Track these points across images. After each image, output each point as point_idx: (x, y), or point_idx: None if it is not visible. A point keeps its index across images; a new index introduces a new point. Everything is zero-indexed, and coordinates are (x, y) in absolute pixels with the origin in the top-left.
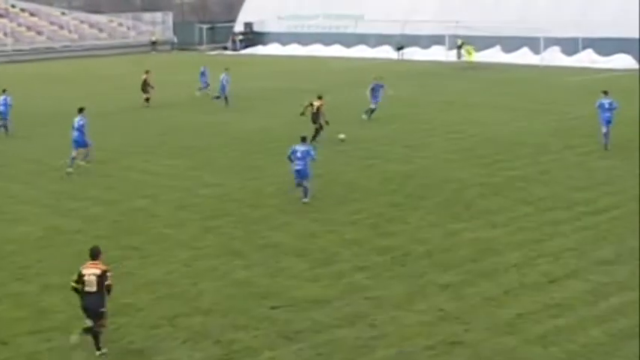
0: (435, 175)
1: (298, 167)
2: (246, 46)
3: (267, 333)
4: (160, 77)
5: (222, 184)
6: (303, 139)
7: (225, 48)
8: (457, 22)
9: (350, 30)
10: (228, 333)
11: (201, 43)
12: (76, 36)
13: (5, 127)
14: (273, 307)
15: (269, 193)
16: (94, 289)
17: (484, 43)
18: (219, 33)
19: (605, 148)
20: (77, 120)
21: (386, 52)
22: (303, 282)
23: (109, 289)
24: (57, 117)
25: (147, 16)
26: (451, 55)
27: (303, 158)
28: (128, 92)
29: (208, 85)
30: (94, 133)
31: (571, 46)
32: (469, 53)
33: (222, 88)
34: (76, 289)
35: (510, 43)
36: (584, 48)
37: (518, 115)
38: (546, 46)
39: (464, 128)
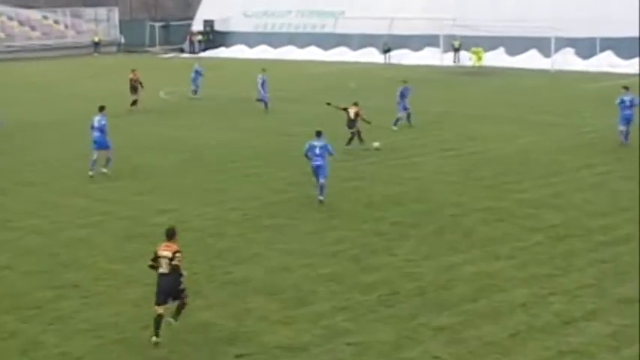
0: (429, 199)
1: (317, 163)
2: (206, 48)
3: None
4: (103, 84)
5: (177, 210)
6: (319, 134)
7: (182, 50)
8: (453, 19)
9: (328, 29)
10: None
11: (152, 44)
12: (2, 34)
13: None
14: (238, 356)
15: (233, 221)
16: (166, 270)
17: (485, 44)
18: (175, 32)
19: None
20: (97, 119)
21: (370, 54)
22: (274, 325)
23: (176, 269)
24: None
25: (88, 12)
26: (447, 59)
27: (321, 154)
28: (65, 102)
29: (198, 88)
30: (21, 149)
31: (587, 47)
32: (478, 56)
33: (263, 92)
34: (152, 267)
35: (516, 45)
36: (602, 50)
37: (526, 128)
38: (558, 48)
39: (462, 144)
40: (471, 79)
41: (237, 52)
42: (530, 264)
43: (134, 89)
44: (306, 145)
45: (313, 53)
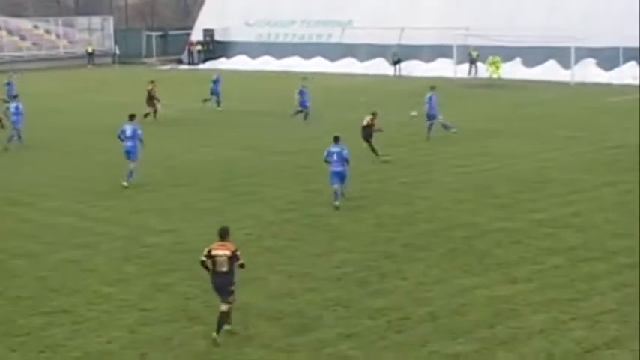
0: (440, 219)
1: (338, 169)
2: (206, 59)
3: None
4: (97, 98)
5: (174, 231)
6: (337, 140)
7: (180, 61)
8: (467, 29)
9: (335, 39)
10: None
11: (149, 55)
12: None
13: None
14: None
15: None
16: (224, 268)
17: (501, 54)
18: (173, 43)
19: None
20: (129, 128)
21: (379, 66)
22: (277, 353)
23: (242, 266)
24: None
25: (81, 21)
26: (460, 70)
27: (339, 160)
28: (54, 117)
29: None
30: (6, 166)
31: (610, 58)
32: (495, 67)
33: (303, 102)
34: (203, 264)
35: (534, 55)
36: (625, 61)
37: (544, 144)
38: (578, 59)
39: (476, 161)
40: (485, 91)
41: (239, 63)
42: (548, 288)
43: (150, 101)
44: (325, 152)
45: (319, 65)
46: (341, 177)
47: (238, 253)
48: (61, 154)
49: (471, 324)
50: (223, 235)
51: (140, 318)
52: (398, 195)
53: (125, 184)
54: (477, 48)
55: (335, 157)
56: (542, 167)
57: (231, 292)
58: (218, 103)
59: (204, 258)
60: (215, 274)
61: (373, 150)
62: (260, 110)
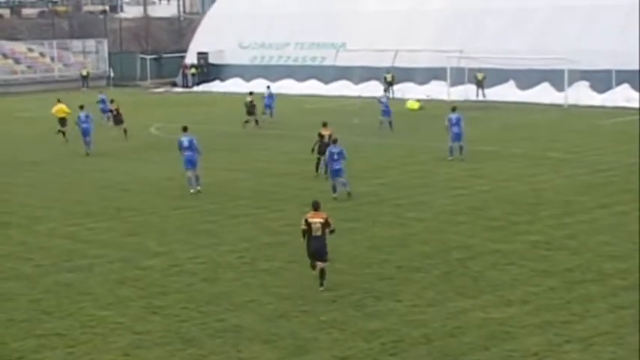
0: (435, 241)
1: (337, 167)
2: (200, 82)
3: None
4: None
5: (169, 253)
6: (335, 141)
7: (174, 84)
8: (461, 51)
9: (329, 62)
10: None
11: (144, 78)
12: None
13: None
14: None
15: (227, 264)
16: (319, 233)
17: (495, 77)
18: (167, 65)
19: None
20: (187, 139)
21: (373, 88)
22: None
23: (332, 231)
24: None
25: (76, 44)
26: (454, 93)
27: (339, 159)
28: (51, 139)
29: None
30: (4, 185)
31: (603, 80)
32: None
33: (387, 112)
34: (304, 232)
35: (527, 78)
36: (618, 83)
37: (538, 166)
38: (572, 81)
39: (470, 183)
40: (479, 114)
41: (233, 85)
42: (543, 310)
43: (251, 111)
44: (327, 152)
45: (313, 87)
46: (340, 173)
47: (330, 220)
48: (55, 175)
49: (465, 347)
50: (316, 206)
51: (134, 341)
52: (392, 217)
53: (198, 188)
54: (482, 70)
55: (335, 157)
56: (536, 189)
57: (326, 253)
58: (271, 114)
59: (304, 227)
60: (312, 239)
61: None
62: (255, 132)
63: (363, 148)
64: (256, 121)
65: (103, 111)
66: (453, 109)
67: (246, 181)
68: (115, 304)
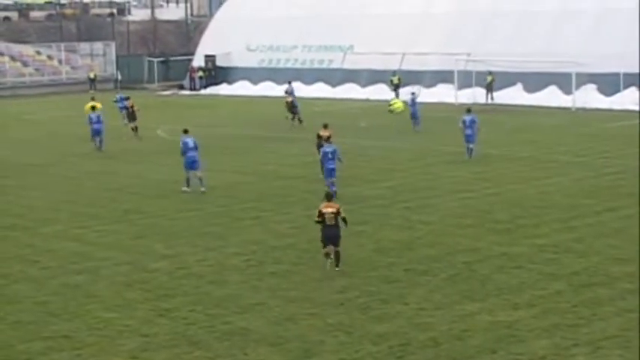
0: (442, 244)
1: (332, 166)
2: (208, 85)
3: None
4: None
5: (176, 256)
6: (328, 139)
7: (182, 87)
8: (468, 54)
9: (336, 65)
10: None
11: (151, 81)
12: None
13: None
14: None
15: (234, 267)
16: (333, 222)
17: (502, 80)
18: (174, 68)
19: None
20: (191, 140)
21: (380, 91)
22: None
23: (345, 220)
24: None
25: (84, 46)
26: (461, 96)
27: (333, 158)
28: (58, 141)
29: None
30: (7, 191)
31: (610, 83)
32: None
33: (415, 113)
34: (318, 222)
35: (534, 81)
36: (626, 86)
37: (545, 169)
38: (579, 84)
39: (477, 186)
40: (486, 117)
41: (240, 88)
42: (551, 313)
43: (292, 110)
44: (321, 152)
45: (320, 90)
46: (334, 173)
47: (341, 210)
48: (62, 178)
49: (472, 350)
50: (329, 197)
51: (141, 344)
52: (399, 220)
53: (203, 189)
54: (492, 72)
55: (330, 156)
56: (543, 192)
57: (340, 238)
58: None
59: (317, 219)
60: (326, 227)
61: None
62: (262, 135)
63: (370, 151)
64: (300, 120)
65: (121, 109)
66: (468, 111)
67: (253, 183)
68: (122, 306)
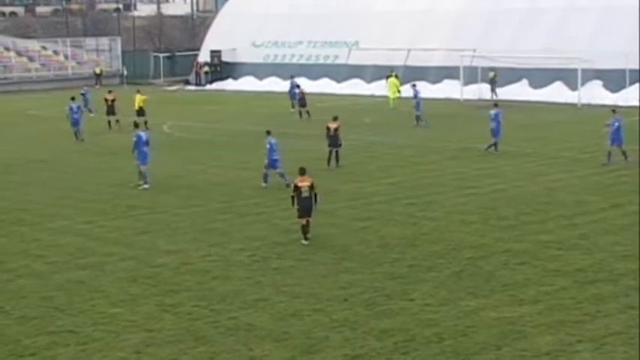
0: (446, 241)
1: (275, 157)
2: (214, 80)
3: None
4: (102, 117)
5: (180, 252)
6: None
7: (188, 82)
8: (474, 50)
9: (341, 60)
10: None
11: (157, 76)
12: None
13: None
14: None
15: (239, 262)
16: (307, 194)
17: (508, 76)
18: (180, 64)
19: None
20: (145, 134)
21: (386, 87)
22: None
23: (316, 197)
24: None
25: (89, 42)
26: (467, 92)
27: (276, 149)
28: (63, 137)
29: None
30: (12, 186)
31: (616, 79)
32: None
33: (417, 105)
34: (292, 197)
35: (540, 77)
36: (632, 82)
37: (550, 165)
38: (585, 81)
39: (482, 182)
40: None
41: (246, 84)
42: (555, 309)
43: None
44: (266, 144)
45: (325, 85)
46: (276, 164)
47: (314, 184)
48: (67, 173)
49: (477, 346)
50: (302, 172)
51: (146, 339)
52: (404, 216)
53: (146, 186)
54: (494, 68)
55: (275, 147)
56: (548, 189)
57: (311, 212)
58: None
59: (292, 193)
60: (302, 199)
61: (337, 155)
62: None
63: (375, 147)
64: (308, 113)
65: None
66: (495, 105)
67: (257, 179)
68: (127, 301)
